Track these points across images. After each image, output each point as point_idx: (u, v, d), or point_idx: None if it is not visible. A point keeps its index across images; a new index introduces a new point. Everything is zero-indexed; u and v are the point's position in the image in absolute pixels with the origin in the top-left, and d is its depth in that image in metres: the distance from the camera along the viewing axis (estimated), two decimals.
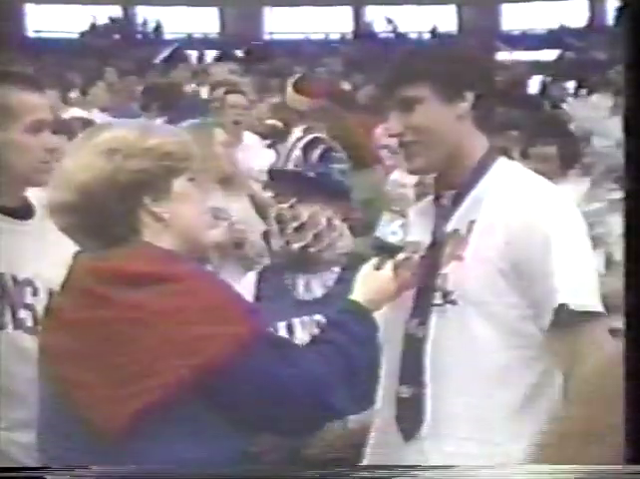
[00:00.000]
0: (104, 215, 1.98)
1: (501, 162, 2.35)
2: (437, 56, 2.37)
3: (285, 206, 2.81)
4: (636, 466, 1.81)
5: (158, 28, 25.45)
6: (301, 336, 2.62)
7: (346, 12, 26.51)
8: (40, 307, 2.41)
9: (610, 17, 22.03)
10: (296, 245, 2.80)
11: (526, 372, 2.23)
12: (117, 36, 24.23)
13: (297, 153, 2.83)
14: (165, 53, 17.76)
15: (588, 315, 2.18)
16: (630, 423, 1.87)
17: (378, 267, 2.24)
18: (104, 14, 24.99)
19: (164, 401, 1.86)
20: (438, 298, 2.25)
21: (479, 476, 2.11)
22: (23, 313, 2.42)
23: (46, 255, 2.43)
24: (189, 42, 22.58)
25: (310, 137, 2.89)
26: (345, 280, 2.56)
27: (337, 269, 2.80)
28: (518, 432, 2.19)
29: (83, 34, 24.30)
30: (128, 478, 1.88)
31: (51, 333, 2.05)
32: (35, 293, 2.44)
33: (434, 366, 2.25)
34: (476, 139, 2.34)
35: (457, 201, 2.30)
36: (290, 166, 2.83)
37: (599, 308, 2.20)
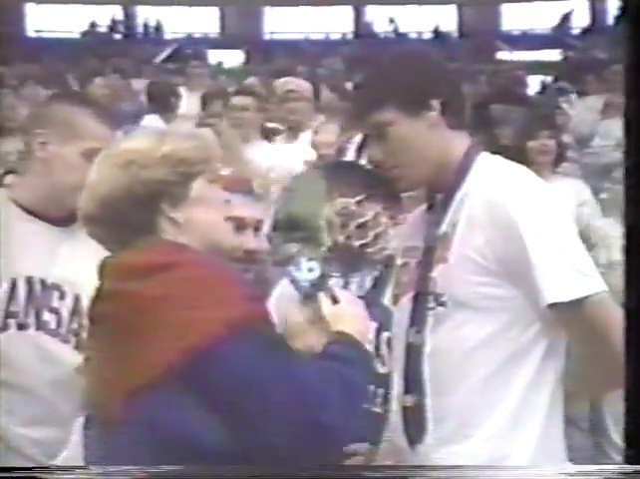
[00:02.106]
0: (124, 225, 2.04)
1: (483, 158, 2.34)
2: (393, 74, 2.34)
3: (352, 200, 2.78)
4: (636, 466, 1.82)
5: (158, 28, 25.45)
6: None
7: (347, 12, 26.51)
8: (65, 311, 2.50)
9: (611, 17, 22.02)
10: (357, 243, 2.76)
11: (524, 363, 2.23)
12: (117, 36, 24.24)
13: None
14: (166, 53, 17.75)
15: (585, 298, 2.17)
16: (630, 423, 1.88)
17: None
18: (104, 14, 24.99)
19: (153, 384, 1.88)
20: (431, 302, 2.26)
21: (482, 476, 2.13)
22: (47, 316, 2.48)
23: (76, 261, 2.50)
24: (190, 42, 22.58)
25: None
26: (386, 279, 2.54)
27: (379, 267, 2.75)
28: (521, 425, 2.22)
29: (84, 34, 24.30)
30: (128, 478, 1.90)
31: (87, 337, 2.12)
32: (62, 297, 2.50)
33: (432, 369, 2.25)
34: (455, 141, 2.33)
35: (445, 204, 2.31)
36: (362, 161, 2.78)
37: (595, 288, 2.18)
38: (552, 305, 2.16)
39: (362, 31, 26.07)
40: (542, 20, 25.22)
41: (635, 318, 2.02)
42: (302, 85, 6.05)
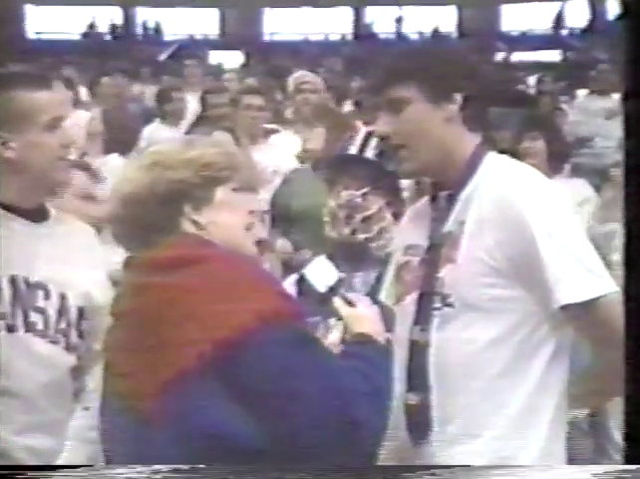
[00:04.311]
0: (147, 225, 2.07)
1: (490, 157, 2.33)
2: (425, 57, 2.35)
3: (358, 193, 2.74)
4: (636, 466, 1.82)
5: (157, 30, 25.45)
6: None
7: (346, 13, 26.50)
8: (52, 311, 2.45)
9: (610, 18, 22.01)
10: (362, 236, 2.72)
11: (531, 364, 2.22)
12: (117, 38, 24.24)
13: (374, 143, 2.76)
14: (168, 52, 17.74)
15: (597, 299, 2.17)
16: (631, 423, 1.88)
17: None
18: (104, 15, 24.99)
19: (184, 376, 1.89)
20: (437, 302, 2.25)
21: (486, 475, 2.13)
22: (34, 317, 2.44)
23: (59, 259, 2.48)
24: (190, 43, 22.59)
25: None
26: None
27: (380, 267, 2.72)
28: (525, 427, 2.22)
29: (84, 35, 24.31)
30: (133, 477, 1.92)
31: (107, 333, 2.13)
32: (47, 297, 2.46)
33: (437, 369, 2.25)
34: (465, 139, 2.32)
35: (451, 201, 2.30)
36: (368, 154, 2.75)
37: (607, 289, 2.18)
38: (564, 306, 2.16)
39: (361, 32, 26.06)
40: (541, 21, 25.22)
41: (635, 316, 2.02)
42: (315, 78, 6.12)
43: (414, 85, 2.26)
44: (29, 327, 2.43)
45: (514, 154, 4.52)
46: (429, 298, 2.27)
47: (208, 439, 1.90)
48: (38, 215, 2.51)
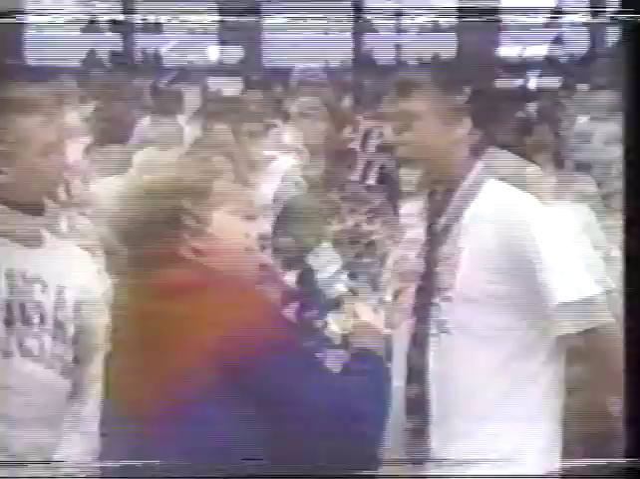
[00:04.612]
0: (144, 252, 2.06)
1: (490, 184, 2.34)
2: (438, 76, 2.37)
3: (363, 217, 2.78)
4: (636, 460, 1.82)
5: (157, 56, 25.49)
6: None
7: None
8: (49, 305, 2.45)
9: (610, 17, 21.98)
10: (366, 229, 2.76)
11: (528, 362, 2.26)
12: (117, 63, 24.31)
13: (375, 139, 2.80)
14: (168, 79, 17.75)
15: (595, 297, 2.20)
16: (629, 419, 1.88)
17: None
18: (103, 15, 25.02)
19: (188, 403, 1.89)
20: (435, 297, 2.27)
21: (484, 473, 2.13)
22: (31, 311, 2.44)
23: (55, 252, 2.49)
24: (190, 70, 22.60)
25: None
26: None
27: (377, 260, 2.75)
28: (527, 424, 2.24)
29: (84, 61, 24.37)
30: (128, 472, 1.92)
31: (106, 360, 2.14)
32: (44, 290, 2.46)
33: (436, 364, 2.28)
34: (469, 161, 2.35)
35: (447, 199, 2.32)
36: (371, 180, 2.80)
37: (601, 289, 2.21)
38: (561, 305, 2.18)
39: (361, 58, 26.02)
40: (541, 18, 25.21)
41: (635, 314, 2.03)
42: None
43: (426, 100, 2.29)
44: (25, 321, 2.42)
45: (521, 148, 4.55)
46: (427, 293, 2.29)
47: (211, 441, 1.90)
48: (33, 209, 2.49)
